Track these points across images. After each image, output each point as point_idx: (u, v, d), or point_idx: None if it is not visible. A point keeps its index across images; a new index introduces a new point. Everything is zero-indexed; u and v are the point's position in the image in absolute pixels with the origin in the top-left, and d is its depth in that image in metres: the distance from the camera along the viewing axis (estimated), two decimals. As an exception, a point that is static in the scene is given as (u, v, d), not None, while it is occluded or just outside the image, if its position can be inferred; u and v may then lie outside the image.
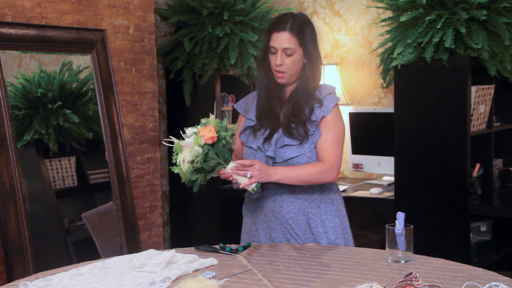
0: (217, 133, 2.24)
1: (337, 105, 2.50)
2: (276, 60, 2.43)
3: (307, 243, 2.47)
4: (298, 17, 2.48)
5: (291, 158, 2.43)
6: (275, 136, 2.46)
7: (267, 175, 2.35)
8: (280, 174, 2.37)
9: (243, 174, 2.31)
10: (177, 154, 2.25)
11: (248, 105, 2.60)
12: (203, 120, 2.30)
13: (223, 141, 2.25)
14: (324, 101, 2.48)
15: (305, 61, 2.46)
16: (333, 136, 2.46)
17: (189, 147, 2.22)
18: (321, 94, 2.49)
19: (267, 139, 2.47)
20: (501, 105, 4.23)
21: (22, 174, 3.00)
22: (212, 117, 2.30)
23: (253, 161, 2.33)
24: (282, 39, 2.42)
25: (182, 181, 2.29)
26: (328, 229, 2.50)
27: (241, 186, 2.33)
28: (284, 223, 2.49)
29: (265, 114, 2.51)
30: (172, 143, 2.28)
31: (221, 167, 2.30)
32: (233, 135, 2.30)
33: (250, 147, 2.51)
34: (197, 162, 2.22)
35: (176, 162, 2.25)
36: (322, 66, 4.56)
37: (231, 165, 2.31)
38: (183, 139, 2.28)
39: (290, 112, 2.47)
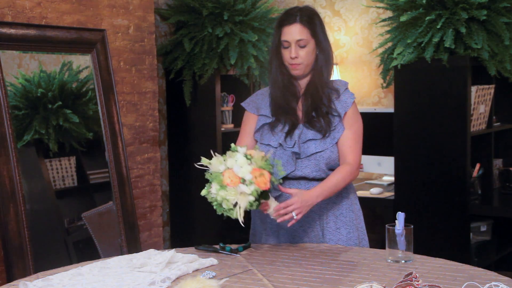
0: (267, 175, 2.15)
1: (354, 100, 2.50)
2: (290, 53, 2.41)
3: (314, 242, 2.46)
4: (306, 9, 2.48)
5: (315, 153, 2.41)
6: (297, 131, 2.43)
7: (309, 205, 2.30)
8: (318, 196, 2.33)
9: (288, 218, 2.26)
10: (217, 189, 2.13)
11: (258, 102, 2.56)
12: (247, 156, 2.14)
13: (273, 185, 2.20)
14: (342, 95, 2.46)
15: (318, 52, 2.45)
16: (354, 132, 2.46)
17: (243, 195, 2.11)
18: (338, 88, 2.48)
19: (289, 133, 2.44)
20: (501, 105, 4.24)
21: (22, 174, 3.00)
22: (257, 153, 2.17)
23: (290, 200, 2.27)
24: (294, 31, 2.41)
25: (223, 215, 2.18)
26: (341, 224, 2.47)
27: (289, 224, 2.30)
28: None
29: (281, 109, 2.47)
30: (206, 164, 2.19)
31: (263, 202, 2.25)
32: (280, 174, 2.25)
33: (268, 145, 2.46)
34: (250, 206, 2.14)
35: (214, 197, 2.14)
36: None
37: (273, 202, 2.25)
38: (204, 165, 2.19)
39: (311, 105, 2.44)
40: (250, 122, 2.55)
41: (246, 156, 2.14)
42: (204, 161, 2.18)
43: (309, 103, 2.45)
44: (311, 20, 2.44)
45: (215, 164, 2.15)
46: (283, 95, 2.47)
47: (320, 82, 2.45)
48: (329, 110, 2.44)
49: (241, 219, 2.13)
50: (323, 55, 2.46)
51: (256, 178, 2.11)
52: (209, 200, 2.17)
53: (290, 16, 2.44)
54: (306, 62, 2.44)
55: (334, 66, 4.61)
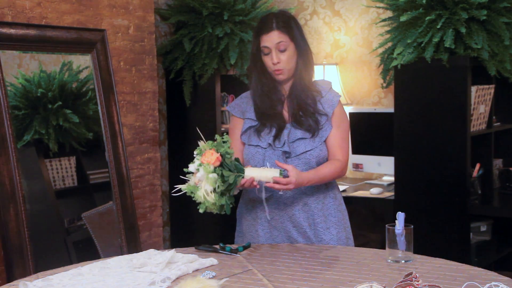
0: (217, 152, 2.22)
1: (340, 99, 2.54)
2: (272, 59, 2.44)
3: (307, 242, 2.47)
4: (281, 14, 2.50)
5: (305, 152, 2.44)
6: (285, 131, 2.46)
7: (301, 184, 2.35)
8: (309, 181, 2.39)
9: (288, 189, 2.32)
10: (193, 194, 2.24)
11: (243, 106, 2.59)
12: (196, 151, 2.27)
13: (227, 155, 2.24)
14: (327, 94, 2.51)
15: (298, 55, 2.48)
16: (342, 131, 2.51)
17: (203, 179, 2.21)
18: (322, 88, 2.52)
19: (277, 137, 2.46)
20: (501, 105, 4.23)
21: (22, 174, 3.00)
22: (201, 143, 2.27)
23: (289, 179, 2.30)
24: (273, 37, 2.43)
25: (214, 212, 2.26)
26: (330, 224, 2.50)
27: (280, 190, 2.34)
28: (287, 220, 2.48)
29: (265, 115, 2.50)
30: (182, 190, 2.28)
31: (240, 178, 2.27)
32: (229, 144, 2.29)
33: (257, 145, 2.48)
34: (219, 187, 2.21)
35: (198, 202, 2.24)
36: (322, 65, 4.60)
37: (248, 171, 2.28)
38: (187, 181, 2.27)
39: (297, 107, 2.48)
40: (237, 126, 2.58)
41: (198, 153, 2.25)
42: (184, 188, 2.28)
43: (295, 105, 2.48)
44: (288, 25, 2.46)
45: (190, 182, 2.27)
46: (264, 102, 2.51)
47: (302, 84, 2.49)
48: (315, 110, 2.48)
49: (211, 200, 2.19)
50: (302, 57, 2.49)
51: (203, 159, 2.20)
52: (202, 209, 2.24)
53: (266, 24, 2.46)
54: (288, 66, 2.47)
55: (334, 66, 4.65)
